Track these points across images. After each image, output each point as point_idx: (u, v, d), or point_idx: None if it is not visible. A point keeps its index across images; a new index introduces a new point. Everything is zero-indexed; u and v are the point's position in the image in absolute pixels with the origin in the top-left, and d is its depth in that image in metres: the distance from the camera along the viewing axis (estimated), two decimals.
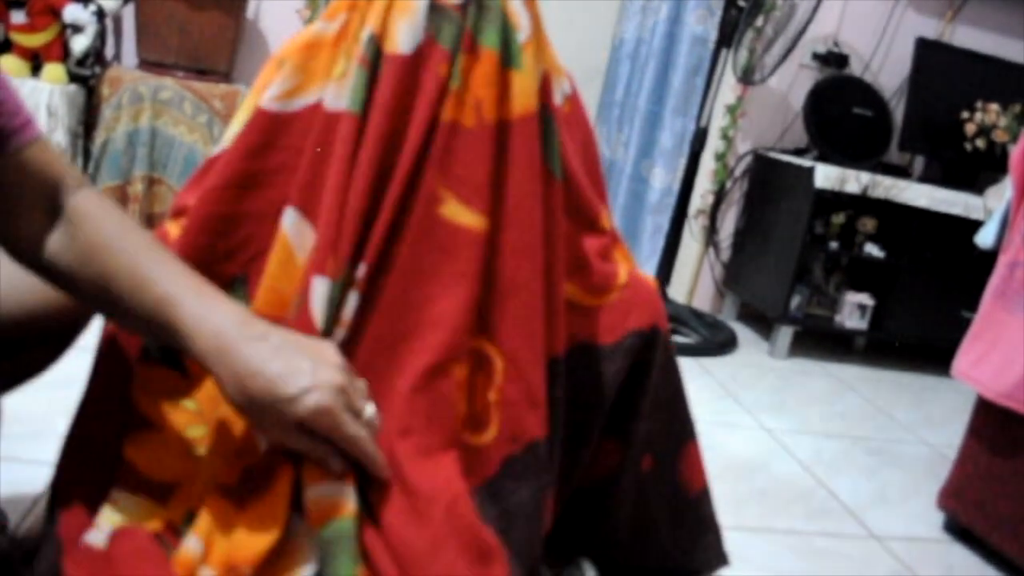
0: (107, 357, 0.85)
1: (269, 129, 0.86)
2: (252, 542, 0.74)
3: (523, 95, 0.86)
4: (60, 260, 0.72)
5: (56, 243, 0.72)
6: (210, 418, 0.81)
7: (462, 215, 0.83)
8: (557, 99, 0.93)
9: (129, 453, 0.81)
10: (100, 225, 0.72)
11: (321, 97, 0.86)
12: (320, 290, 0.79)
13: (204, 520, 0.76)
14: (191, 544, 0.75)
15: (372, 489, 0.77)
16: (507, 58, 0.85)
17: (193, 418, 0.82)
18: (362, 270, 0.81)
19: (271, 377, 0.68)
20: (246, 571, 0.72)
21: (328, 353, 0.73)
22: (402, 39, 0.83)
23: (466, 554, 0.74)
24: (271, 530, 0.74)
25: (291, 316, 0.81)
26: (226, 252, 0.85)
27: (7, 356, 0.82)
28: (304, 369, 0.69)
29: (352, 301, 0.81)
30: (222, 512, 0.76)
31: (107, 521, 0.79)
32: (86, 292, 0.73)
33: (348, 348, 0.80)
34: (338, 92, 0.84)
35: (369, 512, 0.76)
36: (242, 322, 0.70)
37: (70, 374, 0.95)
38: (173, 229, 0.87)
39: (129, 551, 0.75)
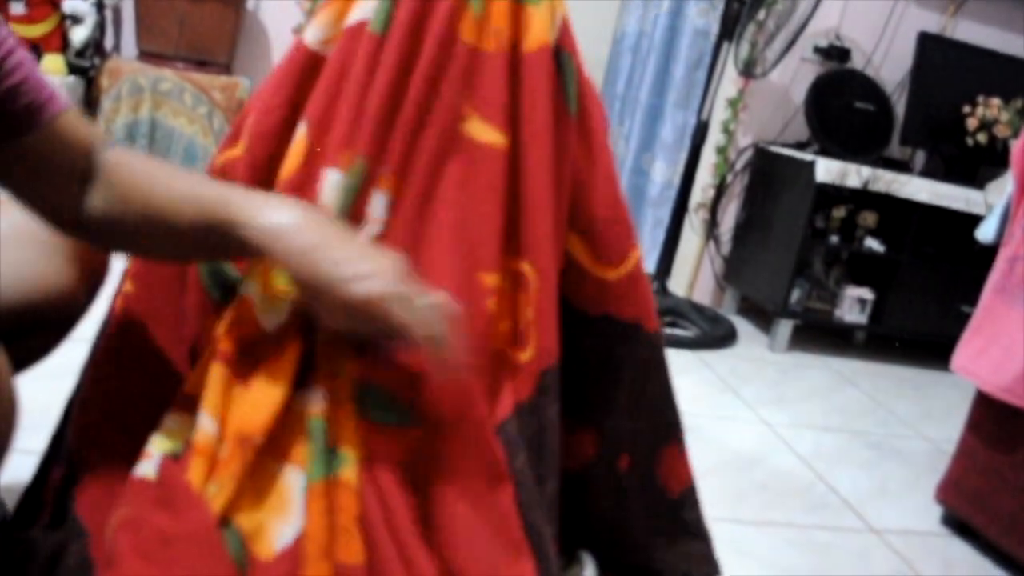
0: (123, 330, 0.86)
1: (308, 65, 0.88)
2: (259, 411, 0.75)
3: (539, 29, 0.88)
4: (103, 214, 0.73)
5: (96, 200, 0.73)
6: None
7: (485, 133, 0.86)
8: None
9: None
10: (133, 167, 0.74)
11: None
12: (331, 179, 0.82)
13: (211, 394, 0.77)
14: (205, 424, 0.76)
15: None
16: None
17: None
18: (386, 171, 0.83)
19: (333, 257, 0.69)
20: (258, 439, 0.74)
21: (383, 249, 0.75)
22: None
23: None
24: (275, 397, 0.76)
25: None
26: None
27: (4, 344, 0.82)
28: (364, 255, 0.71)
29: (379, 199, 0.83)
30: (226, 383, 0.78)
31: (157, 448, 0.79)
32: (134, 236, 0.75)
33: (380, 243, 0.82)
34: (363, 4, 0.86)
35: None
36: (302, 208, 0.72)
37: (67, 364, 0.95)
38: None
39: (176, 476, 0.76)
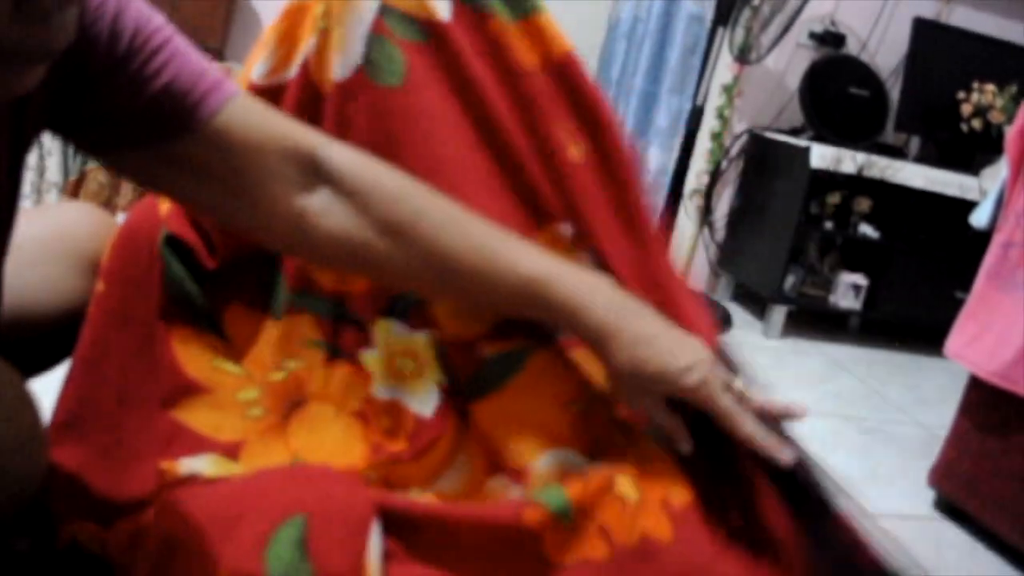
0: (103, 326, 0.81)
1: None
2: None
3: (557, 36, 0.85)
4: (348, 239, 0.67)
5: (335, 218, 0.66)
6: (262, 382, 0.80)
7: (577, 154, 0.83)
8: None
9: (182, 417, 0.78)
10: (398, 202, 0.68)
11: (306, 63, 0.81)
12: None
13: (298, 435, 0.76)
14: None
15: None
16: (530, 7, 0.84)
17: (242, 381, 0.80)
18: (568, 229, 0.80)
19: (665, 348, 0.69)
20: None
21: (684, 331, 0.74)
22: (439, 5, 0.79)
23: None
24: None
25: None
26: None
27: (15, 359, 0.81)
28: (689, 344, 0.70)
29: (589, 259, 0.80)
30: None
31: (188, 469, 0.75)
32: (401, 270, 0.69)
33: None
34: (343, 62, 0.79)
35: None
36: (620, 294, 0.71)
37: None
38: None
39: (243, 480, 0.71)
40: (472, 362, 0.77)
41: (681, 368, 0.69)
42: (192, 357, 0.80)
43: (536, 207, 0.81)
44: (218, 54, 2.36)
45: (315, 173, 0.66)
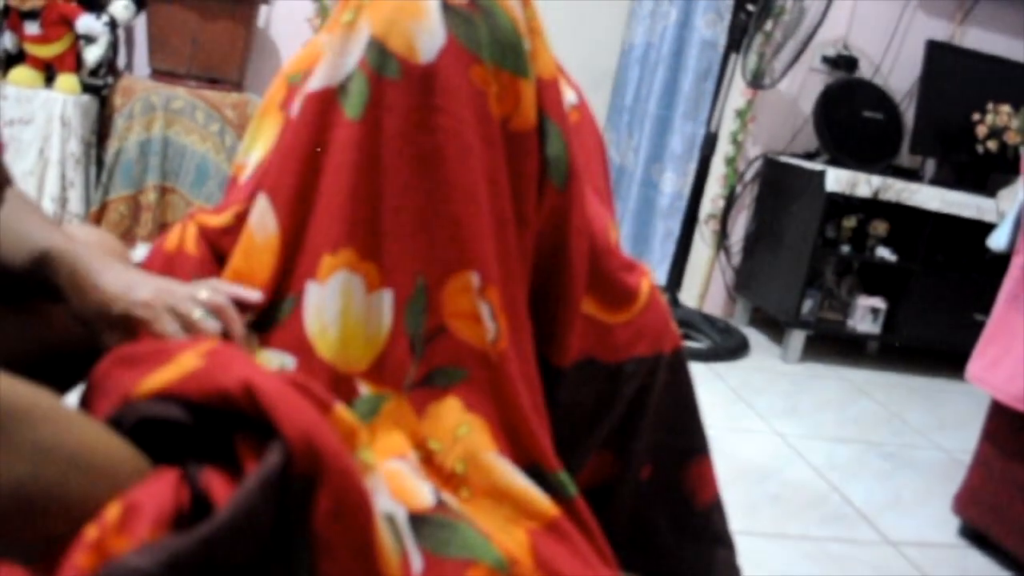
0: None
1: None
2: None
3: (529, 106, 0.87)
4: None
5: None
6: None
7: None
8: (565, 106, 0.94)
9: None
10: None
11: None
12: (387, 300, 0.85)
13: None
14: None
15: None
16: (515, 66, 0.86)
17: None
18: (476, 279, 0.87)
19: (123, 280, 0.77)
20: None
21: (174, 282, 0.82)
22: (422, 46, 0.82)
23: None
24: None
25: None
26: None
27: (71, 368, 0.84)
28: (136, 281, 0.78)
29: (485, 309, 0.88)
30: None
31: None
32: None
33: None
34: (325, 72, 0.84)
35: None
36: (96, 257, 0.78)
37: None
38: (191, 227, 0.89)
39: None
40: (345, 396, 0.83)
41: (115, 295, 0.76)
42: None
43: (460, 252, 0.84)
44: (237, 86, 2.39)
45: None
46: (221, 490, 0.60)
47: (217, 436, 0.64)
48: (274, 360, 0.82)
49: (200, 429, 0.65)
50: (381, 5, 0.82)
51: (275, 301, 0.84)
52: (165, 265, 0.87)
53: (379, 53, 0.82)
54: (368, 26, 0.82)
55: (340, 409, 0.68)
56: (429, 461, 0.84)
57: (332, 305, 0.82)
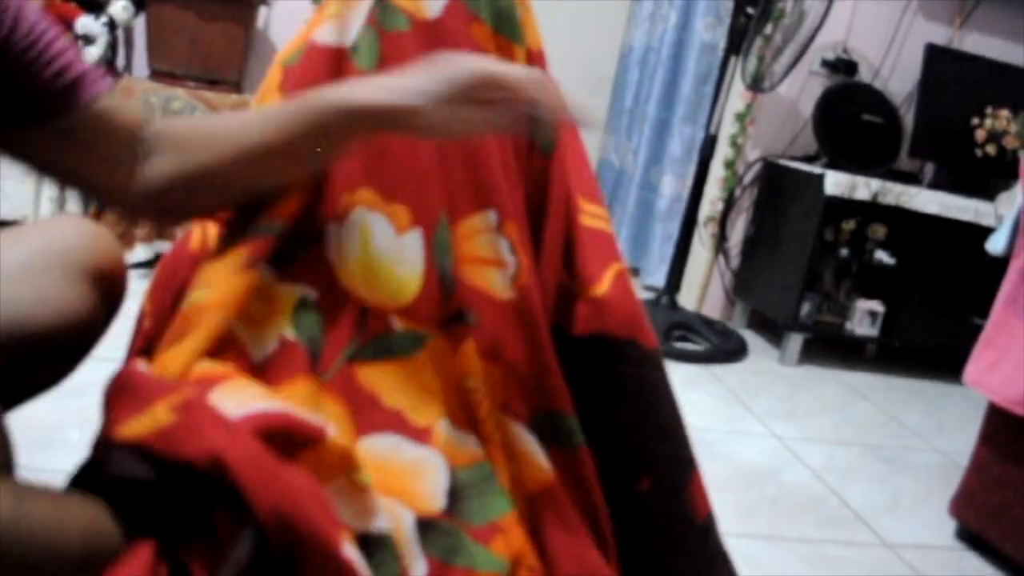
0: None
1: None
2: None
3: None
4: (169, 179, 0.77)
5: (157, 170, 0.77)
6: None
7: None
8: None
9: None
10: (182, 125, 0.79)
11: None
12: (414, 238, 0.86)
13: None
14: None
15: None
16: (511, 31, 0.89)
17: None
18: (493, 216, 0.88)
19: (434, 68, 0.75)
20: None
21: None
22: (427, 3, 0.85)
23: None
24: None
25: None
26: None
27: (16, 374, 0.82)
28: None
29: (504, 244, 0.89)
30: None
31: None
32: (210, 182, 0.78)
33: None
34: (333, 31, 0.86)
35: None
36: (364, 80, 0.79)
37: (82, 383, 0.95)
38: (211, 228, 0.89)
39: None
40: (380, 328, 0.84)
41: (454, 62, 0.75)
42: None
43: (476, 189, 0.86)
44: (236, 86, 2.39)
45: (155, 146, 0.77)
46: (198, 571, 0.60)
47: (192, 491, 0.64)
48: (296, 292, 0.82)
49: (174, 484, 0.64)
50: None
51: (296, 237, 0.84)
52: (192, 267, 0.85)
53: (386, 9, 0.85)
54: None
55: (332, 437, 0.68)
56: (467, 401, 0.85)
57: (352, 241, 0.83)
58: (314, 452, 0.68)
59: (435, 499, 0.79)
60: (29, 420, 0.91)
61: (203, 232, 0.90)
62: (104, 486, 0.66)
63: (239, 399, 0.70)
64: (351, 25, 0.86)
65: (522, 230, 0.88)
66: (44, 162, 0.75)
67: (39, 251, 0.82)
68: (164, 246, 2.19)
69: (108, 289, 0.86)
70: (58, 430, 1.09)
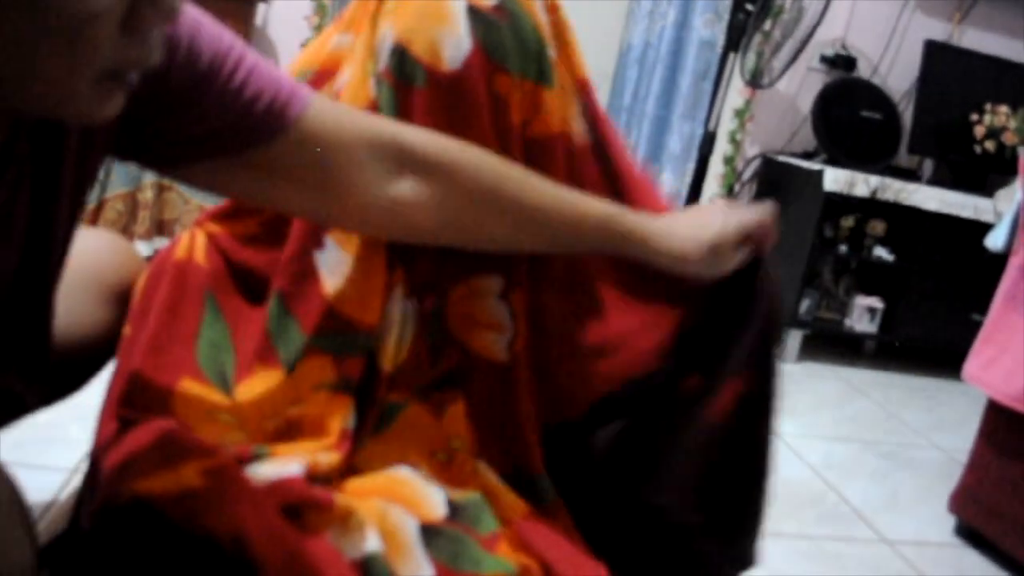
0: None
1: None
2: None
3: (549, 113, 0.86)
4: (440, 213, 0.74)
5: (424, 197, 0.73)
6: (251, 427, 0.82)
7: None
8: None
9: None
10: (479, 171, 0.75)
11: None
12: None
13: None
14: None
15: None
16: (539, 75, 0.85)
17: (228, 428, 0.81)
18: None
19: (705, 220, 0.84)
20: None
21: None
22: (448, 54, 0.79)
23: None
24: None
25: None
26: None
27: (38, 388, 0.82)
28: (705, 209, 0.87)
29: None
30: None
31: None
32: (496, 233, 0.77)
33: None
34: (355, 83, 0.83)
35: None
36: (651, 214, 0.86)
37: None
38: (199, 236, 0.88)
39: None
40: (377, 407, 0.86)
41: (724, 220, 0.84)
42: (185, 408, 0.80)
43: (483, 256, 0.86)
44: None
45: (399, 159, 0.71)
46: None
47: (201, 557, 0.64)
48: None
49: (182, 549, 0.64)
50: (404, 7, 0.80)
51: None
52: (176, 276, 0.85)
53: (402, 61, 0.80)
54: (391, 32, 0.80)
55: (340, 500, 0.73)
56: (451, 460, 0.87)
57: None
58: (325, 513, 0.73)
59: (437, 507, 0.81)
60: (29, 417, 0.91)
61: (190, 241, 0.88)
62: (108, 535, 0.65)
63: (276, 466, 0.75)
64: (370, 79, 0.83)
65: (530, 298, 0.88)
66: (239, 192, 0.70)
67: (76, 268, 0.80)
68: (163, 243, 2.19)
69: (124, 305, 0.87)
70: (58, 427, 1.09)
